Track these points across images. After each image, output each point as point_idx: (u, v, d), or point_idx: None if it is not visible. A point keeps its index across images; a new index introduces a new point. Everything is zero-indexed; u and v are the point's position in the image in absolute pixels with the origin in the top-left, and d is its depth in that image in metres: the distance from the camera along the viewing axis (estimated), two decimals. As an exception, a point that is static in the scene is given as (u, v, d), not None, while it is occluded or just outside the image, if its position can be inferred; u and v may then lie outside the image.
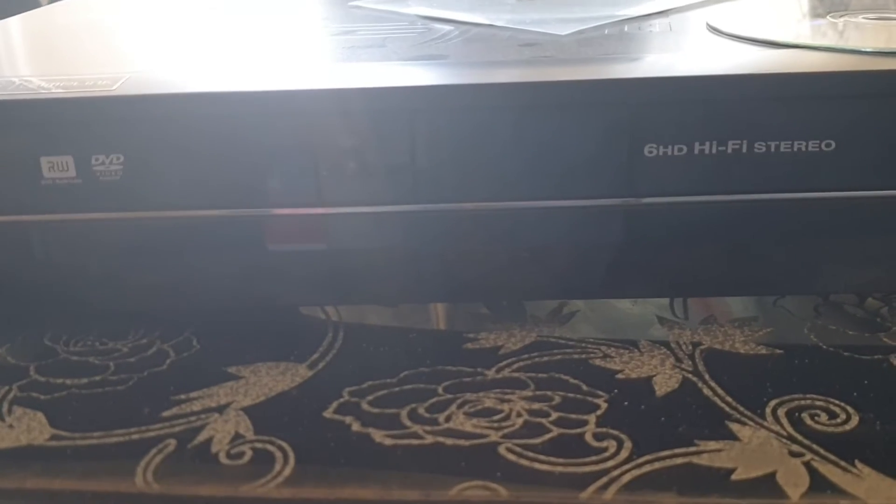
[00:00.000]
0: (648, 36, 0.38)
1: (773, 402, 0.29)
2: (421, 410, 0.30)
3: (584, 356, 0.33)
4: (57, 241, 0.34)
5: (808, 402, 0.29)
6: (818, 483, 0.25)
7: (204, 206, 0.33)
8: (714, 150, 0.31)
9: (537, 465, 0.27)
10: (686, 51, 0.36)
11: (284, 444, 0.28)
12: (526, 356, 0.33)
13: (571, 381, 0.31)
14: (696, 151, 0.32)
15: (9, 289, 0.35)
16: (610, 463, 0.27)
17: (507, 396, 0.30)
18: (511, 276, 0.34)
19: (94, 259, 0.34)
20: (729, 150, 0.31)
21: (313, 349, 0.34)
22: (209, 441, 0.28)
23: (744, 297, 0.37)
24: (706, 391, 0.30)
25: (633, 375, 0.31)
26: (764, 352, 0.33)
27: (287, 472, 0.27)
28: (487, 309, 0.37)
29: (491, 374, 0.32)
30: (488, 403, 0.30)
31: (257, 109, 0.31)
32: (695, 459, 0.27)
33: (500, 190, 0.32)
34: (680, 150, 0.32)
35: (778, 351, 0.33)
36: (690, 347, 0.33)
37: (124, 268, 0.34)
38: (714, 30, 0.38)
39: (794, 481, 0.25)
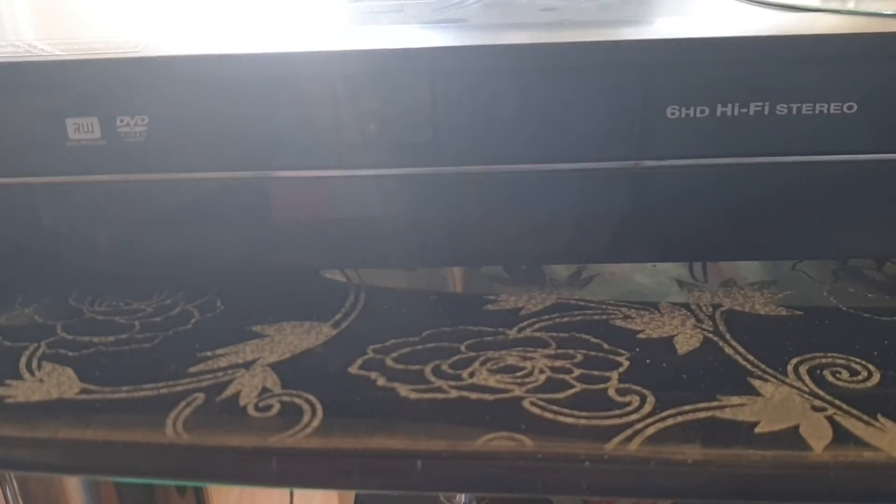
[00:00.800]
0: (669, 0, 0.38)
1: (794, 360, 0.29)
2: (444, 367, 0.30)
3: (604, 317, 0.33)
4: (82, 202, 0.34)
5: (830, 360, 0.30)
6: (841, 436, 0.26)
7: (227, 168, 0.33)
8: (736, 113, 0.32)
9: (561, 418, 0.27)
10: (708, 14, 0.36)
11: (311, 398, 0.28)
12: (546, 317, 0.33)
13: (593, 340, 0.31)
14: (718, 113, 0.32)
15: (34, 250, 0.35)
16: (633, 416, 0.27)
17: (529, 354, 0.30)
18: (531, 240, 0.34)
19: (118, 221, 0.34)
20: (751, 113, 0.32)
21: (336, 309, 0.34)
22: (237, 395, 0.29)
23: (762, 263, 0.37)
24: (728, 350, 0.30)
25: (654, 335, 0.32)
26: (784, 313, 0.33)
27: (315, 423, 0.27)
28: (506, 273, 0.37)
29: (512, 333, 0.32)
30: (511, 361, 0.30)
31: (283, 71, 0.31)
32: (717, 413, 0.27)
33: (520, 152, 0.32)
34: (702, 111, 0.32)
35: (798, 312, 0.33)
36: (711, 309, 0.33)
37: (148, 230, 0.34)
38: (735, -5, 0.38)
39: (817, 434, 0.26)
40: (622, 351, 0.30)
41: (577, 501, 0.54)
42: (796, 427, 0.26)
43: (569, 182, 0.33)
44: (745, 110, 0.32)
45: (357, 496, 0.46)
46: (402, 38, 0.33)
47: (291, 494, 0.85)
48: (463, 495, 0.53)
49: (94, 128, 0.33)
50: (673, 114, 0.32)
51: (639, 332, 0.32)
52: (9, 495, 0.42)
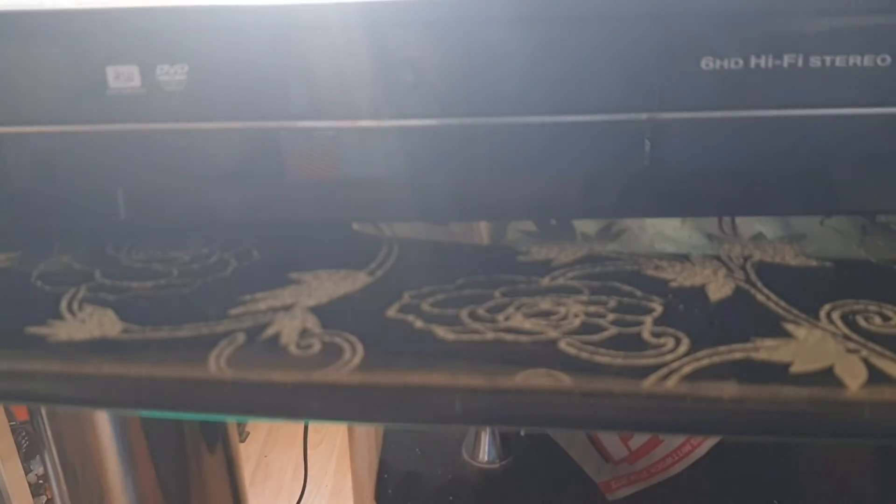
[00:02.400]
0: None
1: (826, 307, 0.30)
2: (480, 311, 0.30)
3: (636, 267, 0.33)
4: (120, 151, 0.35)
5: (861, 307, 0.30)
6: (876, 375, 0.26)
7: (267, 118, 0.34)
8: (770, 65, 0.32)
9: (597, 358, 0.27)
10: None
11: (352, 337, 0.29)
12: (578, 267, 0.33)
13: (625, 287, 0.32)
14: (752, 65, 0.32)
15: (71, 199, 0.35)
16: (669, 356, 0.27)
17: (562, 300, 0.31)
18: (562, 194, 0.35)
19: (156, 171, 0.35)
20: (785, 65, 0.32)
21: (370, 259, 0.35)
22: (278, 334, 0.29)
23: (790, 218, 0.37)
24: (759, 297, 0.31)
25: (687, 284, 0.32)
26: (814, 264, 0.33)
27: (356, 360, 0.27)
28: (537, 227, 0.38)
29: (545, 281, 0.32)
30: (545, 306, 0.31)
31: (326, 19, 0.32)
32: (752, 354, 0.27)
33: (551, 103, 0.32)
34: (736, 63, 0.32)
35: (828, 264, 0.33)
36: (742, 260, 0.34)
37: (186, 180, 0.35)
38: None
39: (851, 373, 0.26)
40: (655, 297, 0.31)
41: (594, 455, 0.55)
42: (831, 367, 0.26)
43: (598, 134, 0.33)
44: (779, 62, 0.32)
45: (382, 457, 0.47)
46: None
47: (305, 458, 0.86)
48: (486, 452, 0.53)
49: (134, 76, 0.33)
50: (707, 65, 0.32)
51: (670, 280, 0.32)
52: (52, 477, 0.42)
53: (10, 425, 1.05)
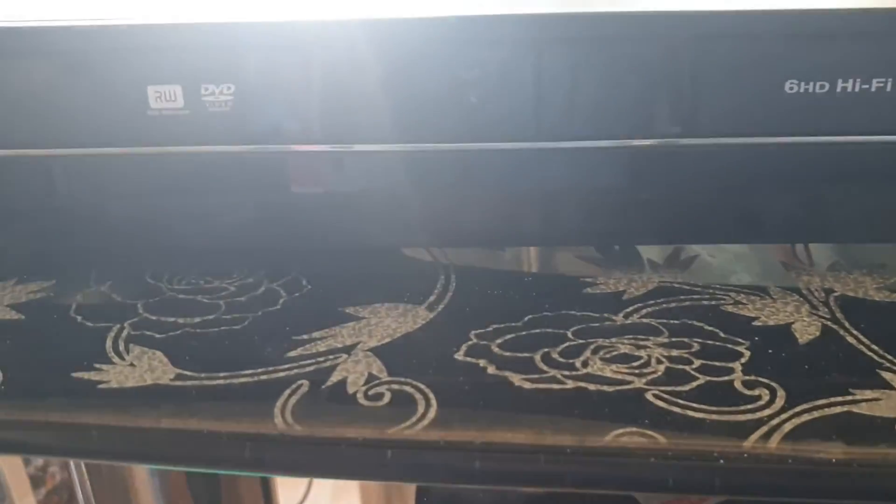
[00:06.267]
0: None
1: (924, 352, 0.28)
2: (554, 354, 0.29)
3: (713, 302, 0.31)
4: (163, 175, 0.33)
5: (960, 351, 0.28)
6: None
7: (316, 141, 0.32)
8: (857, 89, 0.30)
9: (690, 413, 0.26)
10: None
11: (422, 386, 0.27)
12: (652, 302, 0.32)
13: (706, 328, 0.30)
14: (839, 89, 0.30)
15: (111, 224, 0.34)
16: (766, 412, 0.26)
17: (641, 342, 0.29)
18: (629, 219, 0.33)
19: (200, 195, 0.33)
20: (873, 89, 0.30)
21: (428, 291, 0.33)
22: (343, 382, 0.27)
23: (868, 245, 0.36)
24: (849, 339, 0.29)
25: (771, 322, 0.30)
26: (901, 300, 0.31)
27: (431, 414, 0.26)
28: (599, 253, 0.36)
29: (619, 319, 0.31)
30: (623, 349, 0.29)
31: (378, 38, 0.30)
32: (853, 408, 0.26)
33: (627, 126, 0.31)
34: (822, 87, 0.30)
35: (915, 299, 0.31)
36: (823, 294, 0.32)
37: (232, 205, 0.33)
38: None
39: (965, 432, 0.24)
40: (740, 340, 0.29)
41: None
42: (941, 425, 0.25)
43: (676, 158, 0.31)
44: (867, 86, 0.30)
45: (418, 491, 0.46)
46: (505, 5, 0.31)
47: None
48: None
49: (177, 96, 0.31)
50: (791, 88, 0.30)
51: (753, 318, 0.30)
52: (75, 476, 0.41)
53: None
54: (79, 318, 0.32)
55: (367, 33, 0.30)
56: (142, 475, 0.41)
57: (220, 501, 0.46)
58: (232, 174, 0.32)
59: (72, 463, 0.42)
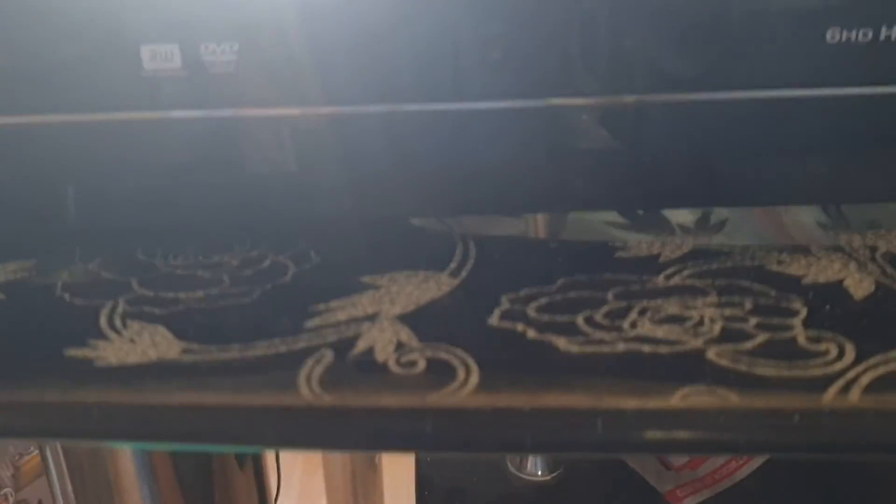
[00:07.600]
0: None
1: None
2: (598, 317, 0.26)
3: (756, 263, 0.29)
4: (157, 141, 0.30)
5: None
6: None
7: (327, 103, 0.29)
8: (900, 34, 0.28)
9: (757, 370, 0.23)
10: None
11: (459, 352, 0.24)
12: (692, 263, 0.30)
13: (756, 286, 0.28)
14: (882, 37, 0.28)
15: (97, 195, 0.31)
16: (838, 365, 0.24)
17: (689, 303, 0.27)
18: (658, 181, 0.31)
19: (199, 163, 0.30)
20: (918, 34, 0.28)
21: (448, 259, 0.30)
22: (371, 350, 0.25)
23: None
24: (907, 293, 0.27)
25: (821, 279, 0.28)
26: (952, 255, 0.30)
27: (474, 379, 0.23)
28: (623, 218, 0.34)
29: (661, 281, 0.28)
30: (672, 310, 0.27)
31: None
32: (929, 360, 0.24)
33: (658, 82, 0.29)
34: (865, 35, 0.28)
35: (965, 254, 0.30)
36: (868, 252, 0.30)
37: (235, 174, 0.30)
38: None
39: None
40: (794, 297, 0.27)
41: (652, 461, 0.51)
42: None
43: (704, 113, 0.29)
44: (912, 31, 0.28)
45: (420, 472, 0.43)
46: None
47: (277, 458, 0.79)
48: (534, 463, 0.49)
49: (174, 56, 0.29)
50: (833, 37, 0.28)
51: (802, 276, 0.28)
52: (51, 465, 0.37)
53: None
54: (67, 297, 0.29)
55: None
56: (130, 478, 0.38)
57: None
58: (235, 141, 0.30)
59: (53, 469, 0.39)
